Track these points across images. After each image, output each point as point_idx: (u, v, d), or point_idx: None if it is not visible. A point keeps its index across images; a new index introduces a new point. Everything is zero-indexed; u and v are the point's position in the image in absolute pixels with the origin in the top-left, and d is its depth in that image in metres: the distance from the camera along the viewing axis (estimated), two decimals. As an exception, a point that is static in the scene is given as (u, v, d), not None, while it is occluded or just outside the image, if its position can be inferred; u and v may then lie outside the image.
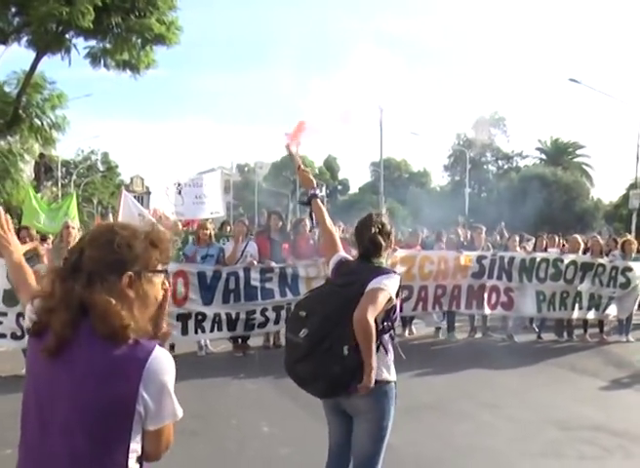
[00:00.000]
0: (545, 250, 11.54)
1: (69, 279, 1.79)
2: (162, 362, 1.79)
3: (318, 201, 3.84)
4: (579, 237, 11.74)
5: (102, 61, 20.30)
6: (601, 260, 10.90)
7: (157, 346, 1.81)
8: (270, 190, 71.58)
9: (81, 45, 19.95)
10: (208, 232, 9.32)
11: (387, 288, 3.22)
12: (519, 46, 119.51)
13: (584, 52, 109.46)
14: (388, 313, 3.29)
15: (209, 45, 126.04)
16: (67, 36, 19.46)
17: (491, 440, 5.76)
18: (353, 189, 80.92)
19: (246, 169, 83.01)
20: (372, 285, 3.20)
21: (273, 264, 9.18)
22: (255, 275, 8.99)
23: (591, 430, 6.09)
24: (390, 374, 3.38)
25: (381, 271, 3.35)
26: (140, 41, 19.40)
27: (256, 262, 9.18)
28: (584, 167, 59.85)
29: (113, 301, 1.76)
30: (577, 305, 10.74)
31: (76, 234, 8.27)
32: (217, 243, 9.65)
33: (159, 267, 1.95)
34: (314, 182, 3.85)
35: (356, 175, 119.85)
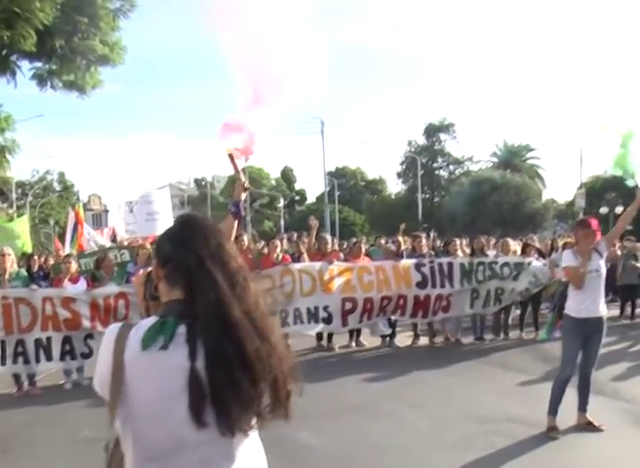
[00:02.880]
0: (482, 251, 11.99)
1: None
2: None
3: (232, 218, 3.97)
4: (510, 241, 12.28)
5: (49, 83, 20.38)
6: (529, 259, 11.49)
7: None
8: (226, 204, 71.53)
9: (26, 67, 20.01)
10: (147, 251, 9.59)
11: None
12: (466, 52, 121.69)
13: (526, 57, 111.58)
14: None
15: (164, 60, 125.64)
16: (12, 59, 19.50)
17: (408, 437, 6.16)
18: (310, 199, 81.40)
19: (203, 183, 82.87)
20: None
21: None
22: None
23: (506, 422, 6.54)
24: None
25: None
26: (84, 62, 19.52)
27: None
28: (536, 169, 61.39)
29: None
30: (509, 299, 11.38)
31: (13, 260, 8.56)
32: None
33: None
34: (240, 197, 3.96)
35: (313, 185, 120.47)
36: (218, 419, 1.66)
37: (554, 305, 7.20)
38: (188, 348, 1.66)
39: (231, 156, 3.96)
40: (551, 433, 6.11)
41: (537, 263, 11.43)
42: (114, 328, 1.77)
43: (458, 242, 12.01)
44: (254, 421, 1.75)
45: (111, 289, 8.97)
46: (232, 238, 3.84)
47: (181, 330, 1.69)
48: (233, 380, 1.65)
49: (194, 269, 1.74)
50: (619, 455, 5.63)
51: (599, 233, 6.23)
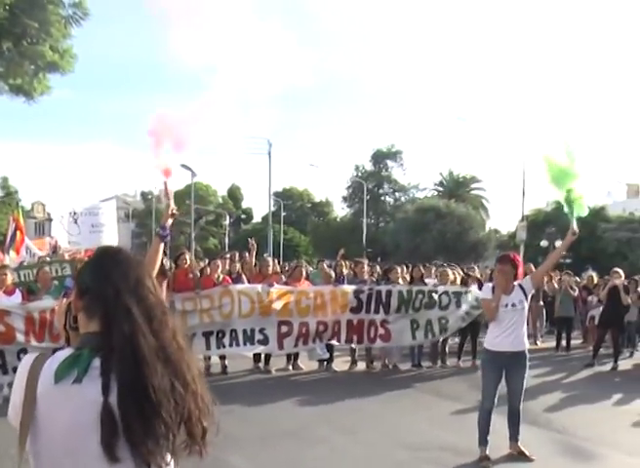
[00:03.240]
0: (422, 279, 12.09)
1: None
2: None
3: (159, 241, 4.00)
4: (449, 270, 12.44)
5: (-5, 86, 19.93)
6: (468, 288, 11.63)
7: None
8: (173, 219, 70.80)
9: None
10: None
11: None
12: (414, 83, 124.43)
13: (473, 91, 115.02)
14: None
15: (117, 69, 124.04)
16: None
17: (340, 464, 6.16)
18: (257, 218, 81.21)
19: (149, 196, 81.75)
20: None
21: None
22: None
23: (438, 450, 6.58)
24: None
25: None
26: (32, 67, 19.17)
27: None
28: (481, 199, 62.64)
29: None
30: (456, 327, 11.49)
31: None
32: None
33: None
34: (166, 220, 4.02)
35: (260, 205, 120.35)
36: (132, 454, 1.62)
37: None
38: (102, 382, 1.63)
39: (165, 182, 4.02)
40: (482, 463, 6.17)
41: (477, 291, 11.61)
42: (28, 358, 1.72)
43: (399, 270, 12.10)
44: (168, 457, 1.71)
45: (47, 302, 8.73)
46: (159, 261, 3.87)
47: (96, 363, 1.65)
48: (144, 416, 1.62)
49: (111, 301, 1.72)
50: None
51: (521, 269, 6.42)
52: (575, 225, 6.46)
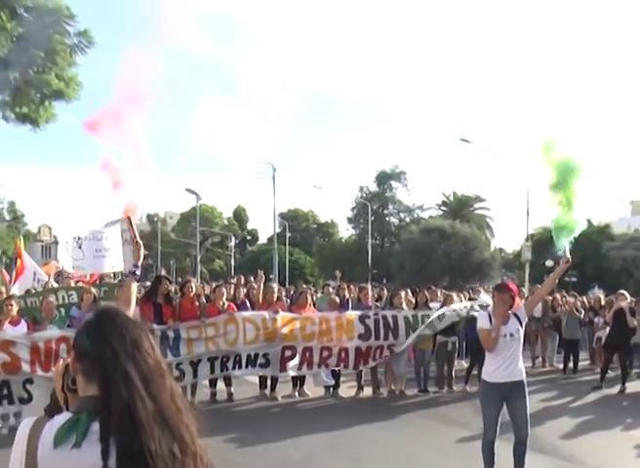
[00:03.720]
0: (426, 304, 12.07)
1: None
2: None
3: (132, 280, 4.06)
4: (454, 296, 12.44)
5: (1, 114, 20.11)
6: (473, 314, 11.58)
7: None
8: (178, 241, 71.05)
9: (-24, 96, 19.73)
10: (91, 295, 9.44)
11: None
12: (417, 104, 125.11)
13: (477, 112, 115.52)
14: None
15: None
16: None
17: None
18: (262, 239, 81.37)
19: (155, 219, 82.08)
20: None
21: (155, 326, 9.34)
22: (134, 338, 9.10)
23: (445, 480, 6.58)
24: None
25: None
26: (38, 96, 19.34)
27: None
28: (485, 219, 62.59)
29: None
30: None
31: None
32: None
33: None
34: (139, 259, 4.06)
35: (265, 226, 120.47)
36: None
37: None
38: (101, 447, 1.64)
39: (129, 219, 4.09)
40: None
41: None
42: (27, 422, 1.73)
43: (402, 294, 12.11)
44: None
45: (52, 332, 8.75)
46: (134, 299, 3.94)
47: (95, 427, 1.66)
48: None
49: (109, 365, 1.73)
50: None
51: (517, 299, 6.36)
52: (567, 253, 6.39)
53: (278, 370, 10.42)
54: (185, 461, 1.72)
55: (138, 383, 1.71)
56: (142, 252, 3.98)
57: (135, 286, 3.83)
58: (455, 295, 12.21)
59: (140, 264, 3.90)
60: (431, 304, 12.23)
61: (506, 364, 6.09)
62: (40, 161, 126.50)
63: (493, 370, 6.14)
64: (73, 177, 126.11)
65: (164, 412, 1.72)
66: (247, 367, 10.15)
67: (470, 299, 12.45)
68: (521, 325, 6.21)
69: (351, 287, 14.49)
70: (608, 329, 12.93)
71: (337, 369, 10.91)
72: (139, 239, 4.02)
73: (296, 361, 10.37)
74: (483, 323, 6.25)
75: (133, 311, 3.97)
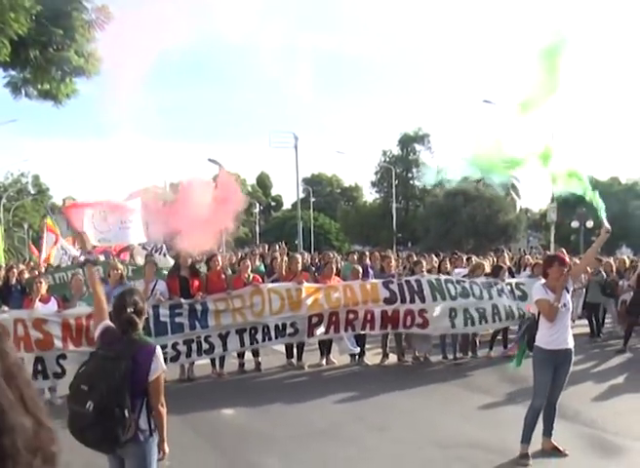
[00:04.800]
0: (448, 273, 12.17)
1: None
2: None
3: (91, 267, 4.24)
4: (484, 261, 12.51)
5: (24, 91, 20.27)
6: (495, 280, 11.65)
7: None
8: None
9: (0, 74, 19.88)
10: (119, 272, 9.66)
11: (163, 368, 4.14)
12: (439, 66, 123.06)
13: (500, 74, 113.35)
14: None
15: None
16: (-15, 67, 19.37)
17: (371, 463, 6.30)
18: (286, 205, 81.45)
19: (179, 187, 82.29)
20: (154, 373, 4.03)
21: (182, 300, 9.58)
22: (164, 311, 9.36)
23: (467, 447, 6.68)
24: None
25: (144, 345, 4.17)
26: (59, 73, 19.44)
27: (163, 299, 9.59)
28: (511, 179, 61.83)
29: None
30: (496, 318, 11.28)
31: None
32: (128, 282, 9.97)
33: None
34: (87, 246, 4.27)
35: (289, 192, 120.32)
36: None
37: (521, 334, 7.30)
38: None
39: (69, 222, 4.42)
40: (522, 460, 6.25)
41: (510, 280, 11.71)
42: None
43: (424, 263, 12.19)
44: None
45: (82, 309, 9.00)
46: (99, 286, 4.32)
47: None
48: None
49: None
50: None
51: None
52: (606, 222, 6.74)
53: (306, 336, 10.57)
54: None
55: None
56: (87, 239, 4.27)
57: (94, 270, 4.03)
58: (486, 264, 12.25)
59: (91, 251, 4.12)
60: (456, 270, 12.27)
61: (561, 332, 6.38)
62: (62, 134, 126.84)
63: (550, 337, 6.38)
64: (96, 148, 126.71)
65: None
66: (276, 338, 10.31)
67: (495, 268, 12.37)
68: (568, 294, 6.49)
69: (376, 253, 14.56)
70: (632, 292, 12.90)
71: (363, 332, 10.95)
72: (81, 230, 4.40)
73: (322, 327, 10.50)
74: (541, 294, 6.44)
75: (101, 295, 4.23)
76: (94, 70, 20.23)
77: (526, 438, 6.36)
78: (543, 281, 6.63)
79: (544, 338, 6.42)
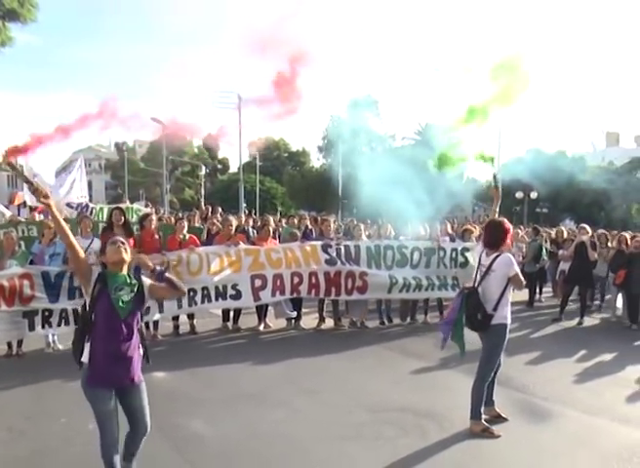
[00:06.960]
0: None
1: None
2: None
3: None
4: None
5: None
6: (442, 244, 11.70)
7: None
8: (148, 170, 69.92)
9: None
10: (52, 231, 9.23)
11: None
12: (391, 33, 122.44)
13: (449, 41, 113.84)
14: None
15: (88, 15, 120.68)
16: None
17: (298, 427, 6.17)
18: (233, 168, 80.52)
19: (124, 147, 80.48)
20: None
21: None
22: (97, 270, 8.99)
23: (397, 411, 6.64)
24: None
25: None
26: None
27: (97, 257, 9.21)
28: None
29: None
30: (429, 287, 11.45)
31: None
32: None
33: None
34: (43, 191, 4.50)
35: (236, 155, 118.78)
36: None
37: (459, 315, 6.50)
38: None
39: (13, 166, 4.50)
40: (487, 432, 6.04)
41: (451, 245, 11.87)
42: None
43: (362, 227, 12.17)
44: None
45: (15, 270, 8.61)
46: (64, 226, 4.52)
47: None
48: None
49: None
50: (503, 447, 5.80)
51: None
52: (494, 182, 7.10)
53: (252, 301, 10.33)
54: None
55: None
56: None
57: (56, 212, 4.54)
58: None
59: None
60: (401, 237, 12.18)
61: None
62: (4, 85, 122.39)
63: (508, 312, 6.29)
64: (40, 103, 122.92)
65: None
66: (217, 299, 10.00)
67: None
68: None
69: (318, 218, 14.50)
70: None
71: (309, 296, 10.85)
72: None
73: (268, 291, 10.29)
74: (516, 267, 6.22)
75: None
76: (29, 15, 19.27)
77: (478, 413, 6.14)
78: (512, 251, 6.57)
79: (506, 314, 6.25)
